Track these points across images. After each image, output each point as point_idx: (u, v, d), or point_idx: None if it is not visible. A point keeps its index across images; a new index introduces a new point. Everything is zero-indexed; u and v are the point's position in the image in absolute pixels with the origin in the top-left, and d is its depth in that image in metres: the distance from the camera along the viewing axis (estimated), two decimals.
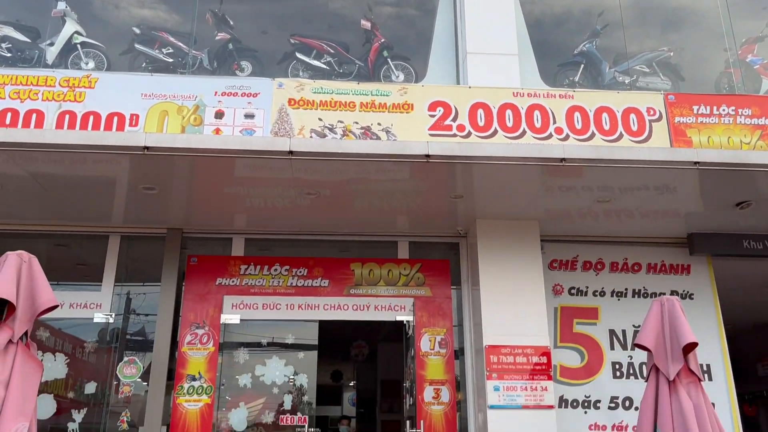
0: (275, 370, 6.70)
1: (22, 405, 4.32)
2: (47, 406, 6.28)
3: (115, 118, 6.10)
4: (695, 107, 6.69)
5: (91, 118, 6.07)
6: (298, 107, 6.33)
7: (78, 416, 6.35)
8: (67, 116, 6.06)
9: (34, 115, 6.03)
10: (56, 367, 6.45)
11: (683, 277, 7.06)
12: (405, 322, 6.87)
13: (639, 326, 5.03)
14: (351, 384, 14.05)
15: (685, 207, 6.33)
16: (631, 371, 6.70)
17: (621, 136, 6.50)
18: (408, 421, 6.51)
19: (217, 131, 6.12)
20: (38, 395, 5.08)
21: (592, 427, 6.50)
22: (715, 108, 6.72)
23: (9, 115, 6.03)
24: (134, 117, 6.10)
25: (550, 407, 6.07)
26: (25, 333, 4.53)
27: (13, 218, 6.61)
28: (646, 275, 7.04)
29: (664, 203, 6.23)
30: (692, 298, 6.93)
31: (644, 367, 6.55)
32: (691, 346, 4.75)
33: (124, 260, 6.85)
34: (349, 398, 14.00)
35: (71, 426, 6.33)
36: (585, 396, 6.58)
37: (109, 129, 6.00)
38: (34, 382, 4.50)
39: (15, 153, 5.16)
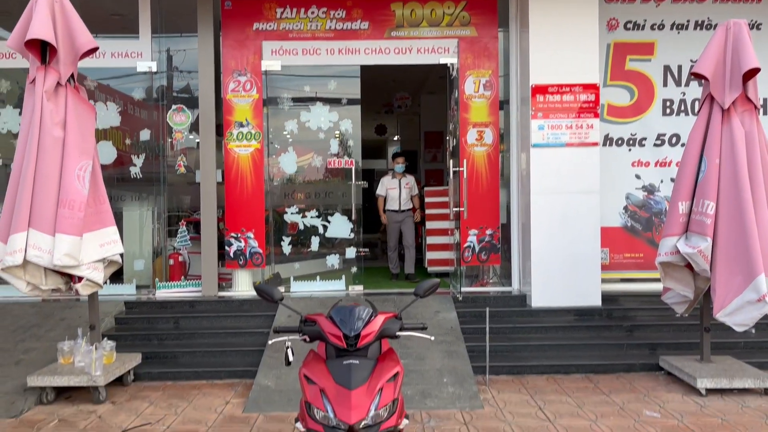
0: (320, 116, 6.79)
1: (82, 144, 4.50)
2: (108, 153, 6.64)
3: None
4: None
5: None
6: None
7: (138, 161, 6.74)
8: None
9: None
10: (109, 115, 6.68)
11: (752, 5, 6.48)
12: (449, 65, 6.67)
13: (697, 60, 4.74)
14: (395, 138, 14.34)
15: None
16: (683, 108, 6.52)
17: None
18: (451, 162, 6.66)
19: None
20: (98, 142, 5.31)
21: (635, 164, 6.55)
22: None
23: None
24: None
25: (595, 144, 6.07)
26: (72, 76, 4.58)
27: None
28: (711, 5, 6.48)
29: None
30: (759, 29, 6.44)
31: (697, 103, 6.36)
32: (751, 73, 4.51)
33: (158, 8, 6.64)
34: (394, 151, 14.39)
35: (133, 170, 6.74)
36: (631, 134, 6.53)
37: None
38: (90, 123, 4.64)
39: None
